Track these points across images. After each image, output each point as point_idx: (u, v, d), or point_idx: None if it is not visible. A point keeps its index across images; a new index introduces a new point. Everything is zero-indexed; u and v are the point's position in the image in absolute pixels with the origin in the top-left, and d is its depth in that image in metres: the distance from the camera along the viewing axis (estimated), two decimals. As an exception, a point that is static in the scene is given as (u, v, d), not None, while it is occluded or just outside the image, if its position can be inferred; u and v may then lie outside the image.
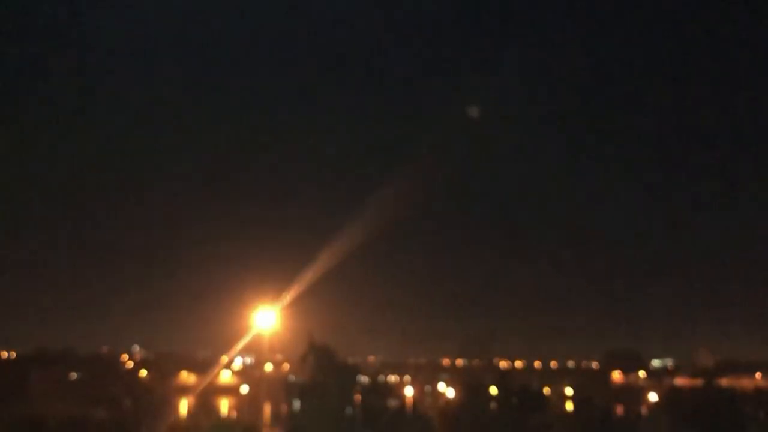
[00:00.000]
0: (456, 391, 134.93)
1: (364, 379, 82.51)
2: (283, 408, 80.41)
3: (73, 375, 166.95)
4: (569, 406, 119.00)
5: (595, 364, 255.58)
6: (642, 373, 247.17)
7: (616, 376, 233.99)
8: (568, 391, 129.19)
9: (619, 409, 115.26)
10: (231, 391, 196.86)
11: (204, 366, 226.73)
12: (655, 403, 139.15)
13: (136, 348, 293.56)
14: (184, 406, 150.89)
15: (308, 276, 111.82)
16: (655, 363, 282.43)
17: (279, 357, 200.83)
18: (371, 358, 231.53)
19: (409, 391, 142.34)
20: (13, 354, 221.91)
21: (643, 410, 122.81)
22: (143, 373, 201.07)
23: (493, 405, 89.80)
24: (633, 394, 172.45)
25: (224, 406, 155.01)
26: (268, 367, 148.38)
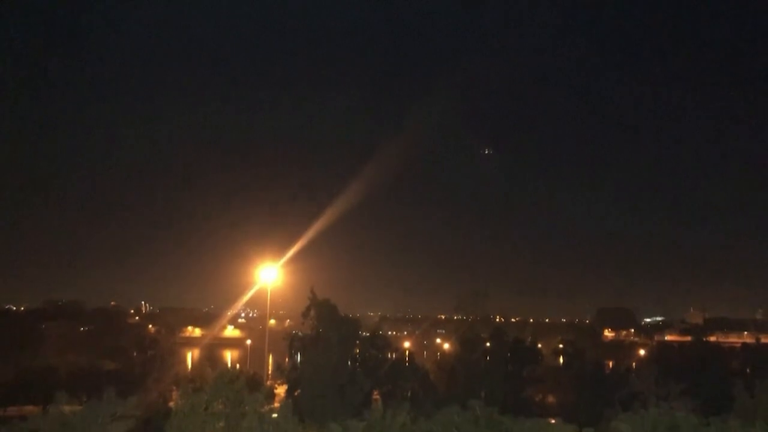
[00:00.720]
0: (452, 345, 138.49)
1: (363, 333, 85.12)
2: (286, 360, 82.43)
3: (82, 328, 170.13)
4: (561, 360, 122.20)
5: (587, 321, 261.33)
6: (632, 330, 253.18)
7: (608, 332, 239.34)
8: (560, 345, 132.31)
9: (609, 364, 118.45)
10: (235, 344, 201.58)
11: (209, 320, 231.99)
12: (644, 358, 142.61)
13: (143, 303, 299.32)
14: (189, 358, 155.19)
15: (310, 233, 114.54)
16: (646, 320, 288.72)
17: (282, 312, 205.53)
18: (371, 314, 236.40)
19: (407, 345, 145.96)
20: (23, 308, 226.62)
21: (633, 365, 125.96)
22: (150, 326, 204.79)
23: (487, 358, 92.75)
24: (623, 349, 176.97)
25: (228, 358, 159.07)
26: (271, 321, 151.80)
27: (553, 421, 54.34)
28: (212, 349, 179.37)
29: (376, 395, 76.64)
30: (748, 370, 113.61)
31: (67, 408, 46.81)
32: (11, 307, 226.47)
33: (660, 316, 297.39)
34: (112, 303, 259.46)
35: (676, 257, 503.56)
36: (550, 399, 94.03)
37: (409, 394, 76.89)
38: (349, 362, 76.30)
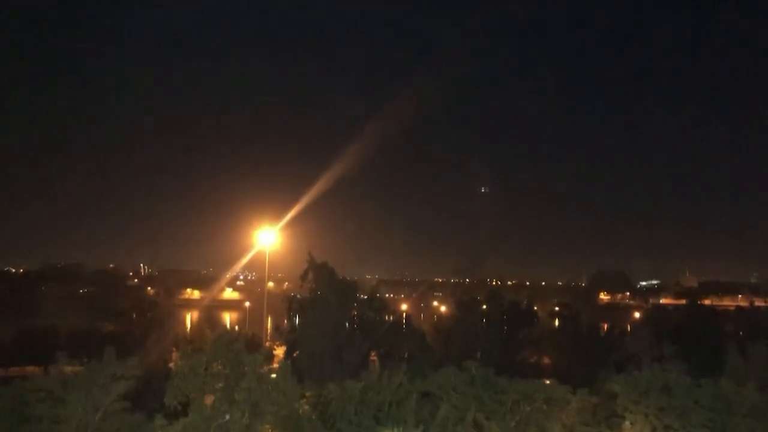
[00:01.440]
0: (449, 308, 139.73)
1: (361, 295, 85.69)
2: (285, 322, 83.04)
3: (82, 290, 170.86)
4: (557, 322, 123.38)
5: (583, 285, 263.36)
6: (628, 293, 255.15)
7: (603, 295, 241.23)
8: (556, 308, 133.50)
9: (604, 326, 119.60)
10: (234, 306, 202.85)
11: (207, 282, 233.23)
12: (639, 321, 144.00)
13: (142, 265, 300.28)
14: (188, 320, 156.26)
15: (308, 197, 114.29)
16: (642, 284, 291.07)
17: (280, 275, 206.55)
18: (368, 277, 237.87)
19: (404, 307, 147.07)
20: (22, 270, 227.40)
21: (627, 328, 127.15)
22: (149, 288, 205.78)
23: (483, 321, 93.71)
24: (618, 312, 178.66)
25: (227, 320, 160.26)
26: (270, 284, 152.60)
27: (547, 382, 55.28)
28: (211, 311, 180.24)
29: (373, 357, 77.63)
30: (741, 333, 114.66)
31: (68, 368, 47.41)
32: (10, 269, 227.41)
33: (655, 279, 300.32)
34: (111, 265, 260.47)
35: (672, 221, 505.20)
36: (545, 360, 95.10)
37: (406, 356, 77.80)
38: (347, 324, 76.98)
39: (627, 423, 44.70)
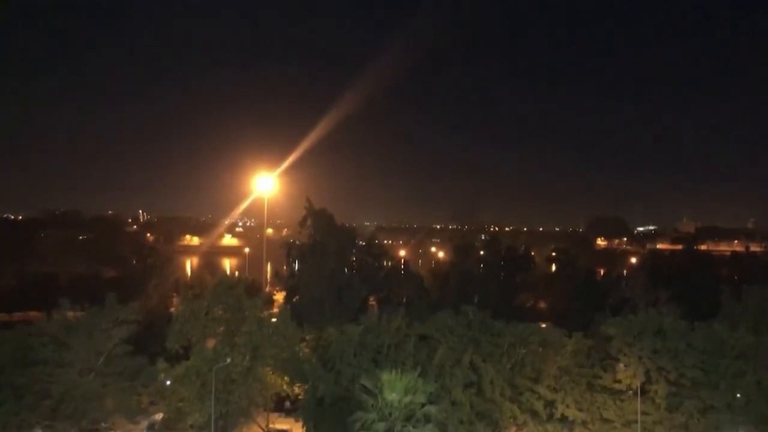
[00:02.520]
0: (446, 253, 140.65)
1: (360, 241, 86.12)
2: (284, 268, 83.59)
3: (81, 236, 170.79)
4: (554, 267, 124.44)
5: (581, 230, 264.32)
6: (625, 239, 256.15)
7: (601, 240, 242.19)
8: (553, 253, 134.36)
9: (601, 271, 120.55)
10: (233, 252, 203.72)
11: (206, 229, 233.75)
12: (635, 266, 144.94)
13: (140, 212, 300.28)
14: (188, 266, 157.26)
15: (306, 144, 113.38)
16: (639, 229, 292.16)
17: (279, 221, 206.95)
18: (367, 223, 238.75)
19: (402, 253, 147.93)
20: (21, 217, 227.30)
21: (624, 272, 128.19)
22: (148, 235, 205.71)
23: (481, 266, 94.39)
24: (615, 257, 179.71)
25: (227, 266, 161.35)
26: (269, 230, 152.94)
27: (543, 326, 56.19)
28: (211, 257, 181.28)
29: (372, 301, 78.53)
30: (736, 278, 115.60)
31: (70, 314, 48.05)
32: (9, 216, 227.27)
33: (653, 225, 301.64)
34: (110, 212, 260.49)
35: (671, 167, 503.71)
36: (542, 305, 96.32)
37: (404, 300, 78.66)
38: (346, 270, 77.60)
39: (621, 365, 45.68)
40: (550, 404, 44.30)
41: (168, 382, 46.43)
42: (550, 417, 44.23)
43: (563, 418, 44.13)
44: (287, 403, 58.61)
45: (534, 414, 44.31)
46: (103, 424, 46.45)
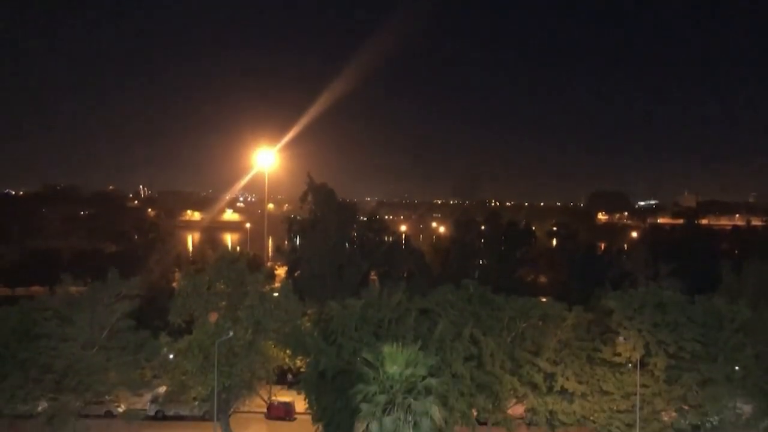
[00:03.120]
0: (447, 228, 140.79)
1: (361, 217, 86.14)
2: (285, 243, 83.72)
3: (82, 212, 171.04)
4: (554, 242, 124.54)
5: (582, 205, 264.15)
6: (626, 213, 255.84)
7: (602, 215, 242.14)
8: (554, 228, 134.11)
9: (602, 245, 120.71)
10: (234, 227, 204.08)
11: (207, 204, 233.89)
12: (636, 240, 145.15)
13: (141, 187, 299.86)
14: (189, 241, 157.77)
15: (306, 118, 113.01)
16: (640, 204, 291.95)
17: (280, 196, 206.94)
18: (368, 198, 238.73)
19: (403, 228, 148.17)
20: (21, 192, 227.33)
21: (624, 247, 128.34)
22: (149, 210, 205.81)
23: (481, 240, 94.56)
24: (616, 231, 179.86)
25: (228, 241, 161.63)
26: (270, 205, 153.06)
27: (544, 300, 56.45)
28: (212, 232, 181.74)
29: (373, 276, 78.81)
30: (736, 252, 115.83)
31: (72, 289, 48.32)
32: (10, 191, 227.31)
33: (654, 199, 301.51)
34: (111, 187, 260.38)
35: (672, 141, 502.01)
36: (542, 279, 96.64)
37: (405, 275, 78.90)
38: (347, 244, 77.71)
39: (620, 338, 45.95)
40: (550, 377, 44.70)
41: (171, 356, 46.86)
42: (550, 389, 44.66)
43: (563, 391, 44.55)
44: (289, 376, 59.30)
45: (534, 386, 44.75)
46: (107, 397, 47.09)
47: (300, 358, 51.42)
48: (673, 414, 45.57)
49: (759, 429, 47.17)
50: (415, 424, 33.38)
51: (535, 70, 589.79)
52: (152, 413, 53.01)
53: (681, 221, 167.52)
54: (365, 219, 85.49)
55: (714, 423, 46.97)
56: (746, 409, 46.16)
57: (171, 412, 52.51)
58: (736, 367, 45.06)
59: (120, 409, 48.99)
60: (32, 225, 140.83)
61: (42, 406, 43.82)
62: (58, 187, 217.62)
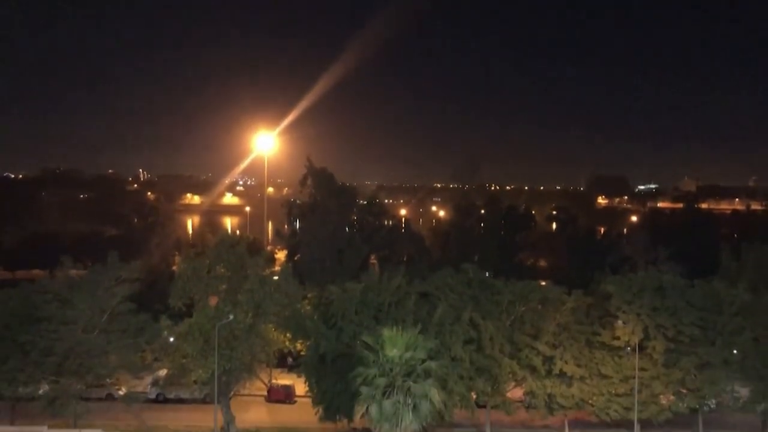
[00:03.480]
0: (447, 212, 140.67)
1: (361, 201, 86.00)
2: (285, 227, 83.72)
3: (82, 195, 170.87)
4: (554, 226, 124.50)
5: (582, 189, 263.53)
6: (626, 197, 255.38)
7: (602, 199, 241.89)
8: (554, 212, 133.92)
9: (601, 230, 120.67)
10: (234, 211, 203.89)
11: (207, 188, 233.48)
12: (636, 225, 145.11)
13: (140, 170, 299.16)
14: (189, 225, 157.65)
15: (306, 102, 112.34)
16: (641, 188, 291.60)
17: (279, 180, 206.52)
18: (368, 182, 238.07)
19: (403, 212, 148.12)
20: (21, 176, 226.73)
21: (624, 231, 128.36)
22: (149, 194, 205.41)
23: (481, 225, 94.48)
24: (616, 215, 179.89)
25: (228, 224, 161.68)
26: (269, 189, 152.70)
27: (543, 283, 56.54)
28: (212, 215, 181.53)
29: (373, 260, 78.87)
30: (736, 236, 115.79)
31: (72, 272, 48.37)
32: (9, 174, 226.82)
33: (654, 183, 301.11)
34: (110, 171, 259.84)
35: (673, 125, 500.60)
36: (542, 263, 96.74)
37: (405, 259, 78.95)
38: (347, 229, 77.68)
39: (620, 322, 46.13)
40: (548, 360, 44.89)
41: (171, 339, 47.02)
42: (549, 373, 44.87)
43: (562, 374, 44.76)
44: (289, 359, 59.56)
45: (533, 370, 44.96)
46: (108, 380, 47.31)
47: (300, 341, 51.60)
48: (671, 397, 45.87)
49: (756, 412, 47.61)
50: (415, 407, 33.68)
51: (536, 54, 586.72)
52: (153, 396, 53.29)
53: (681, 205, 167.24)
54: (365, 203, 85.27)
55: (711, 406, 47.36)
56: (743, 392, 46.46)
57: (172, 395, 52.80)
58: (734, 351, 45.31)
59: (121, 392, 49.24)
60: (32, 208, 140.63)
61: (43, 388, 44.13)
62: (58, 171, 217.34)
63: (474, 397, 44.59)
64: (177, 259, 65.35)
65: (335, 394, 42.20)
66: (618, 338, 44.69)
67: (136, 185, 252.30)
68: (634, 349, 44.03)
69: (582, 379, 44.87)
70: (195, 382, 44.89)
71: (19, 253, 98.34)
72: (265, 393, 55.25)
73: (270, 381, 56.81)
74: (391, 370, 33.91)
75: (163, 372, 49.95)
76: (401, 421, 33.06)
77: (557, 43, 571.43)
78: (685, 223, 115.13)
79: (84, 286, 44.61)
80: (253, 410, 52.21)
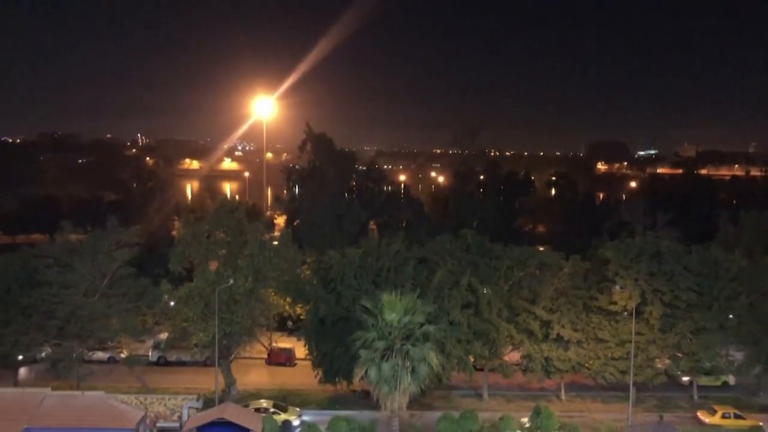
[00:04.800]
0: (446, 178, 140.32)
1: (360, 166, 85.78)
2: (284, 192, 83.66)
3: (81, 160, 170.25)
4: (553, 191, 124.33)
5: (581, 154, 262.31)
6: (626, 163, 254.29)
7: (601, 165, 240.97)
8: (553, 178, 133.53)
9: (600, 195, 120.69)
10: (233, 176, 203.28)
11: (206, 153, 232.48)
12: (635, 190, 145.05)
13: (139, 135, 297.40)
14: (188, 190, 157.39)
15: (304, 66, 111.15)
16: (640, 154, 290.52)
17: (278, 145, 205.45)
18: (367, 148, 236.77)
19: (402, 178, 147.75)
20: (18, 140, 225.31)
21: (623, 196, 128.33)
22: (148, 158, 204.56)
23: (480, 190, 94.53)
24: (615, 181, 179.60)
25: (227, 189, 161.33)
26: (268, 154, 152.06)
27: (541, 249, 56.74)
28: (211, 181, 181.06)
29: (372, 225, 79.06)
30: (734, 202, 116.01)
31: (72, 236, 48.43)
32: (7, 139, 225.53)
33: (654, 149, 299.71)
34: (108, 135, 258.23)
35: (673, 91, 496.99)
36: (541, 228, 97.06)
37: (404, 224, 79.17)
38: (346, 194, 77.65)
39: (617, 287, 46.37)
40: (546, 324, 45.28)
41: (171, 303, 47.30)
42: (546, 337, 45.31)
43: (559, 338, 45.18)
44: (289, 323, 60.09)
45: (530, 334, 45.39)
46: (110, 343, 47.79)
47: (300, 305, 52.01)
48: (667, 361, 46.42)
49: (750, 376, 48.24)
50: (413, 370, 34.10)
51: (536, 22, 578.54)
52: (154, 359, 53.85)
53: (680, 171, 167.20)
54: (364, 168, 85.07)
55: (706, 370, 47.91)
56: (738, 356, 47.03)
57: (173, 358, 53.31)
58: (730, 316, 45.71)
59: (122, 355, 49.77)
60: (30, 173, 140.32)
61: (46, 351, 44.50)
62: (56, 135, 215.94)
63: (472, 360, 45.07)
64: (176, 224, 65.31)
65: (335, 357, 42.69)
66: (615, 303, 45.00)
67: (134, 150, 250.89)
68: (630, 314, 44.35)
69: (579, 343, 45.30)
70: (196, 345, 45.27)
71: (19, 218, 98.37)
72: (266, 356, 55.81)
73: (270, 344, 57.35)
74: (390, 333, 34.23)
75: (164, 335, 50.38)
76: (400, 383, 33.51)
77: (559, 12, 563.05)
78: (685, 188, 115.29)
79: (84, 250, 44.70)
80: (253, 373, 52.77)
